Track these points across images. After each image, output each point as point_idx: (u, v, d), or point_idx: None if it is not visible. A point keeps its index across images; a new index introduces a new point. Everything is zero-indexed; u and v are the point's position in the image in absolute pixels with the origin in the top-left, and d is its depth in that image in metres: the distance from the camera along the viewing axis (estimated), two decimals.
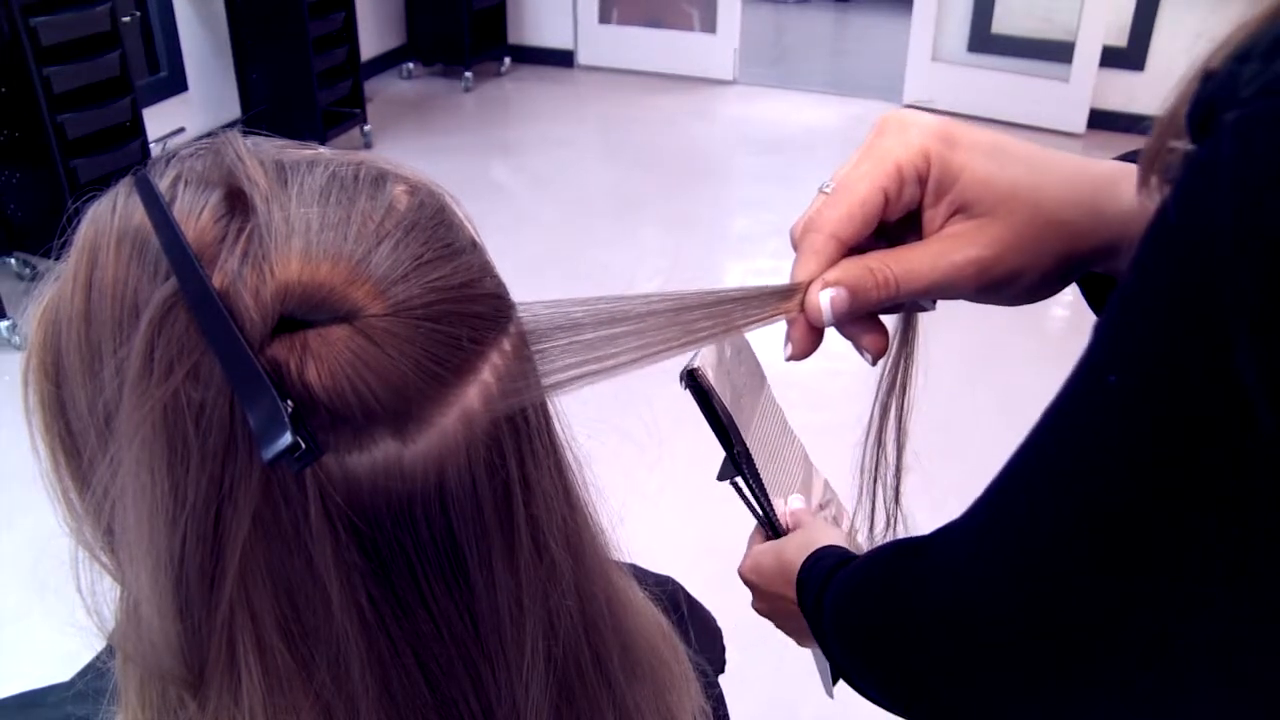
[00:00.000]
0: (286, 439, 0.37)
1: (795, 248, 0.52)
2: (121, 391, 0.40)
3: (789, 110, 5.66)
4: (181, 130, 4.37)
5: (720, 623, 0.80)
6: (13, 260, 3.58)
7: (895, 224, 0.53)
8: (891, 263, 0.50)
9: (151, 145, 3.81)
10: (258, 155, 0.43)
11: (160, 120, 4.18)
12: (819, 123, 5.49)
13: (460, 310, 0.42)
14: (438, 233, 0.43)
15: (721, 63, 6.00)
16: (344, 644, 0.42)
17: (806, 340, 0.53)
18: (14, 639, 2.18)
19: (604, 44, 6.17)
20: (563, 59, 6.21)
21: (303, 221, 0.40)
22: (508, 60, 6.09)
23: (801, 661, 1.05)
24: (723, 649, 0.80)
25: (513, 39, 6.11)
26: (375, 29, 5.64)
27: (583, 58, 6.22)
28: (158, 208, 0.41)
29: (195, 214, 0.41)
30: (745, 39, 6.02)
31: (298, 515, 0.40)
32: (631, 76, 6.05)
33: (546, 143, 5.18)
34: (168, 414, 0.39)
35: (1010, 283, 0.50)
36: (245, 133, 0.45)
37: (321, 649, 0.42)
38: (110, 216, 0.43)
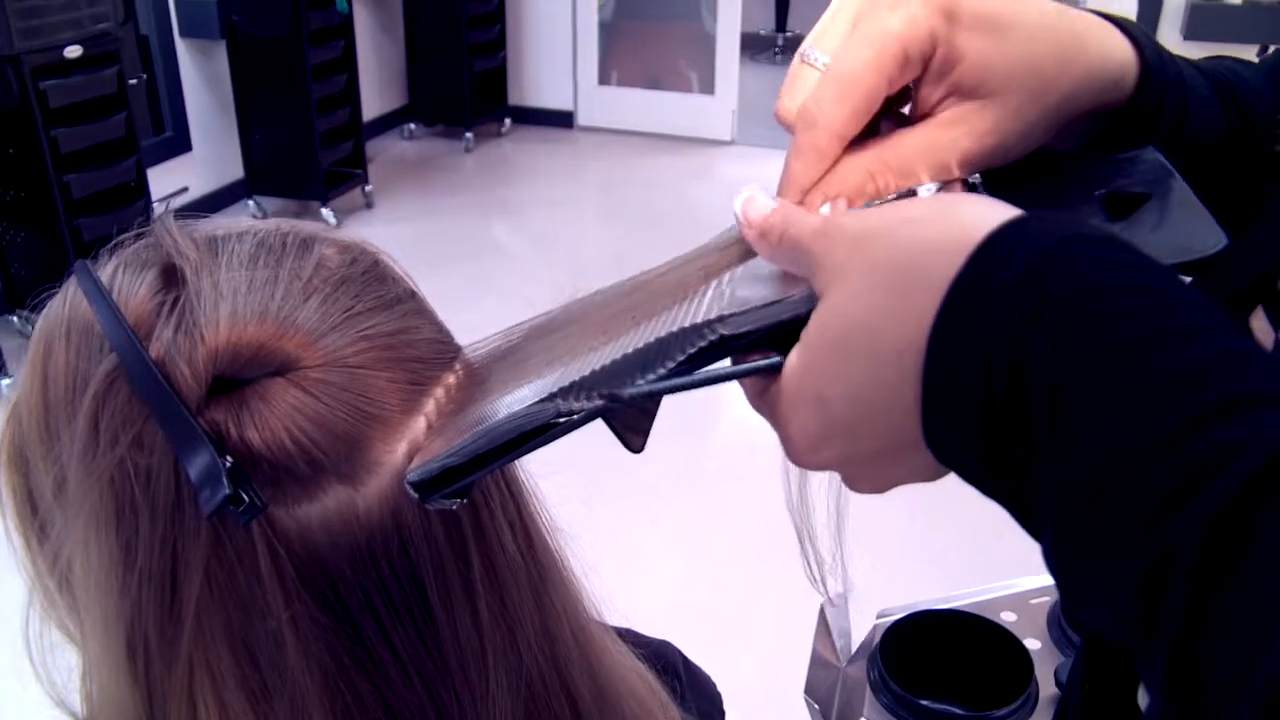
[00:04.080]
0: (223, 492, 0.38)
1: (788, 127, 0.48)
2: (71, 464, 0.42)
3: None
4: (185, 190, 4.41)
5: (719, 686, 0.80)
6: (15, 318, 3.60)
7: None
8: (891, 162, 0.46)
9: (155, 204, 3.84)
10: (190, 232, 0.45)
11: (164, 180, 4.22)
12: None
13: (396, 356, 0.44)
14: (370, 286, 0.45)
15: (720, 123, 6.07)
16: (308, 699, 0.42)
17: None
18: (4, 696, 2.15)
19: (603, 105, 6.25)
20: (563, 120, 6.29)
21: (230, 286, 0.42)
22: (508, 121, 6.16)
23: None
24: (722, 713, 0.80)
25: (513, 100, 6.19)
26: (377, 90, 5.72)
27: (582, 119, 6.29)
28: (94, 289, 0.43)
29: (134, 292, 0.43)
30: (743, 100, 6.10)
31: (250, 573, 0.41)
32: (631, 137, 6.11)
33: (546, 203, 5.22)
34: (115, 482, 0.40)
35: (1002, 158, 0.47)
36: (178, 216, 0.47)
37: (285, 706, 0.42)
38: (61, 309, 0.45)
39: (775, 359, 0.39)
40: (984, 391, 0.32)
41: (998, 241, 0.33)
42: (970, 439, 0.33)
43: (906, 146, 0.47)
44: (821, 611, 1.07)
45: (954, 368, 0.33)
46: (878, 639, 0.99)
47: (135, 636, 0.41)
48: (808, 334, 0.38)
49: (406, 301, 0.46)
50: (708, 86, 6.11)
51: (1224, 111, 0.54)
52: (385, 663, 0.43)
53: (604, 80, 6.25)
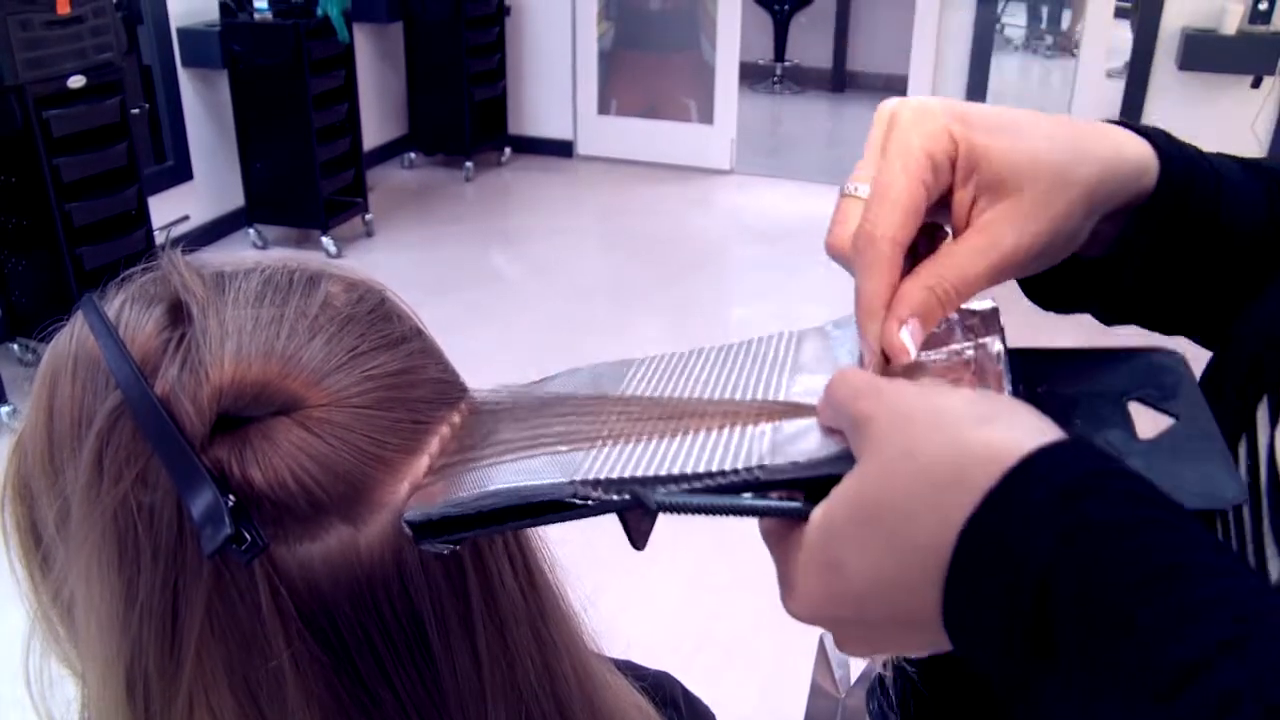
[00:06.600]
0: (225, 531, 0.38)
1: (844, 260, 0.50)
2: (74, 500, 0.42)
3: (785, 199, 5.74)
4: (185, 218, 4.42)
5: (719, 717, 0.80)
6: (15, 346, 3.60)
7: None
8: (947, 275, 0.48)
9: (156, 233, 3.85)
10: (197, 268, 0.46)
11: (165, 208, 4.23)
12: (815, 212, 5.56)
13: (401, 396, 0.44)
14: (376, 325, 0.45)
15: (719, 153, 6.10)
16: None
17: (883, 370, 0.50)
18: None
19: (603, 134, 6.28)
20: (562, 149, 6.32)
21: (236, 324, 0.43)
22: (508, 150, 6.19)
23: None
24: None
25: (513, 129, 6.22)
26: (378, 119, 5.75)
27: (582, 148, 6.32)
28: (100, 325, 0.43)
29: (140, 328, 0.43)
30: (742, 129, 6.13)
31: (251, 611, 0.41)
32: (630, 166, 6.14)
33: (546, 232, 5.24)
34: (117, 518, 0.41)
35: (1046, 256, 0.50)
36: (181, 247, 0.48)
37: None
38: (68, 343, 0.45)
39: (799, 505, 0.41)
40: (1008, 597, 0.34)
41: (1034, 463, 0.35)
42: (990, 635, 0.35)
43: (957, 255, 0.49)
44: (821, 642, 1.06)
45: (981, 571, 0.35)
46: (877, 669, 0.99)
47: (135, 672, 0.41)
48: (836, 497, 0.39)
49: (412, 340, 0.46)
50: (707, 116, 6.14)
51: (1266, 196, 0.57)
52: (384, 701, 0.43)
53: (603, 110, 6.28)
